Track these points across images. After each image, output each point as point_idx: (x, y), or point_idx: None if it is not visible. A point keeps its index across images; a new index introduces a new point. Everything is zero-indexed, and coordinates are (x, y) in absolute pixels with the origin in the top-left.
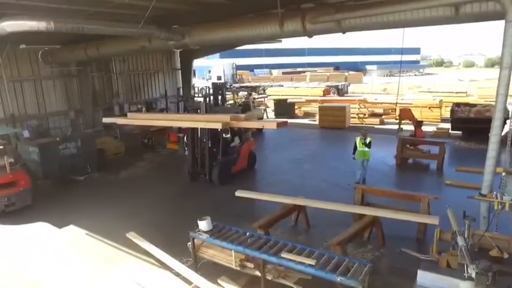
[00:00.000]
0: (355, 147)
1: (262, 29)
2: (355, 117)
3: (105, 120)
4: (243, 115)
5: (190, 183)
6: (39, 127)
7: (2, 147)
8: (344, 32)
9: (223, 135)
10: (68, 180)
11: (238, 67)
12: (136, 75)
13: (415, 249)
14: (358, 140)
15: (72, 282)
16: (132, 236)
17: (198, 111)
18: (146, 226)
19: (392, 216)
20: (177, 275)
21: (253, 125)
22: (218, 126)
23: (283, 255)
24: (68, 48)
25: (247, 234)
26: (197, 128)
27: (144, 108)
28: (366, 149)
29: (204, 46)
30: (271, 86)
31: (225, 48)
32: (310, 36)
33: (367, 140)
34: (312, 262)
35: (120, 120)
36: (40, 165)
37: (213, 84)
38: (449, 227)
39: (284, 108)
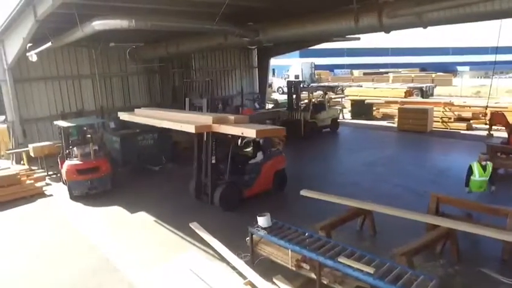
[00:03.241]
0: (469, 175)
1: (337, 24)
2: (438, 121)
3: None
4: (232, 117)
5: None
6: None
7: (89, 136)
8: (425, 27)
9: (232, 146)
10: (144, 169)
11: (318, 67)
12: (214, 72)
13: (497, 270)
14: (475, 165)
15: (134, 263)
16: (195, 226)
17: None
18: (210, 218)
19: (471, 231)
20: (233, 268)
21: (231, 130)
22: (191, 129)
23: (340, 259)
24: (151, 46)
25: (307, 234)
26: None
27: (220, 104)
28: (485, 178)
29: (278, 43)
30: (350, 86)
31: (300, 46)
32: (387, 31)
33: (488, 167)
34: (371, 270)
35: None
36: (120, 154)
37: (288, 82)
38: None
39: (361, 109)
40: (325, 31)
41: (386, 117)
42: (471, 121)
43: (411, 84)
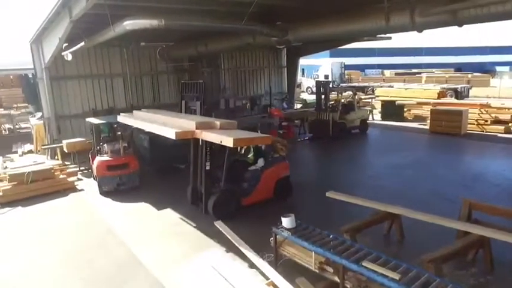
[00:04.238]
0: None
1: (367, 24)
2: (473, 124)
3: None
4: (218, 122)
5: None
6: None
7: (119, 133)
8: (461, 25)
9: (228, 152)
10: (171, 167)
11: (349, 67)
12: (243, 72)
13: None
14: None
15: (159, 259)
16: (219, 225)
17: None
18: (235, 218)
19: (506, 239)
20: (256, 268)
21: (209, 137)
22: (172, 135)
23: (365, 264)
24: (181, 45)
25: (331, 236)
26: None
27: (248, 104)
28: None
29: (306, 42)
30: (381, 86)
31: (330, 46)
32: (419, 30)
33: None
34: (396, 276)
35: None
36: (148, 152)
37: (317, 82)
38: None
39: (392, 110)
40: (355, 31)
41: (417, 118)
42: (510, 124)
43: (445, 85)
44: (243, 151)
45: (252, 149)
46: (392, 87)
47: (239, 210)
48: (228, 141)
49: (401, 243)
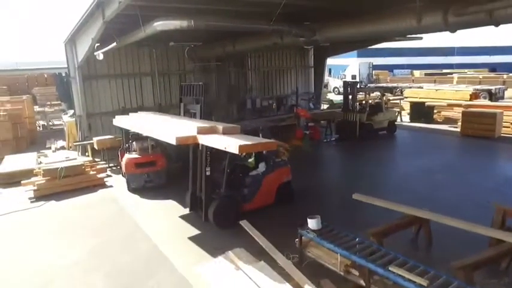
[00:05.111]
0: None
1: (397, 24)
2: (508, 127)
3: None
4: (220, 127)
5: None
6: None
7: None
8: (497, 25)
9: (229, 156)
10: None
11: (377, 67)
12: (270, 72)
13: None
14: None
15: (185, 255)
16: (244, 224)
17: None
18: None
19: None
20: (281, 269)
21: (214, 143)
22: (172, 140)
23: (392, 268)
24: (209, 45)
25: (357, 240)
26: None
27: (274, 104)
28: None
29: (335, 43)
30: (410, 87)
31: (358, 46)
32: (453, 30)
33: None
34: (424, 282)
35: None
36: (174, 150)
37: (344, 83)
38: None
39: (421, 111)
40: (385, 31)
41: (448, 121)
42: None
43: (478, 86)
44: (243, 155)
45: (253, 153)
46: (422, 88)
47: (240, 217)
48: (233, 147)
49: (430, 249)
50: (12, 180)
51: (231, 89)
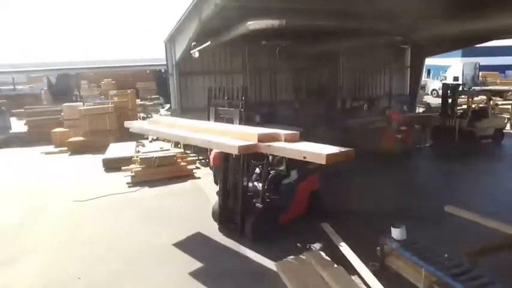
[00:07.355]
0: None
1: (501, 20)
2: None
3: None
4: (282, 134)
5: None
6: (270, 114)
7: None
8: None
9: (266, 163)
10: None
11: (485, 67)
12: (362, 71)
13: None
14: None
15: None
16: (326, 227)
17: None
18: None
19: None
20: (359, 276)
21: (287, 152)
22: (234, 150)
23: None
24: (300, 44)
25: (446, 256)
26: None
27: (365, 105)
28: None
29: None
30: None
31: (461, 44)
32: None
33: None
34: None
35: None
36: None
37: (444, 85)
38: None
39: None
40: (489, 28)
41: None
42: None
43: None
44: (274, 162)
45: (284, 160)
46: None
47: (278, 229)
48: (317, 157)
49: None
50: (114, 165)
51: (321, 88)
